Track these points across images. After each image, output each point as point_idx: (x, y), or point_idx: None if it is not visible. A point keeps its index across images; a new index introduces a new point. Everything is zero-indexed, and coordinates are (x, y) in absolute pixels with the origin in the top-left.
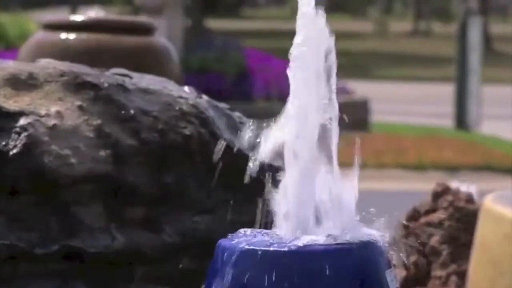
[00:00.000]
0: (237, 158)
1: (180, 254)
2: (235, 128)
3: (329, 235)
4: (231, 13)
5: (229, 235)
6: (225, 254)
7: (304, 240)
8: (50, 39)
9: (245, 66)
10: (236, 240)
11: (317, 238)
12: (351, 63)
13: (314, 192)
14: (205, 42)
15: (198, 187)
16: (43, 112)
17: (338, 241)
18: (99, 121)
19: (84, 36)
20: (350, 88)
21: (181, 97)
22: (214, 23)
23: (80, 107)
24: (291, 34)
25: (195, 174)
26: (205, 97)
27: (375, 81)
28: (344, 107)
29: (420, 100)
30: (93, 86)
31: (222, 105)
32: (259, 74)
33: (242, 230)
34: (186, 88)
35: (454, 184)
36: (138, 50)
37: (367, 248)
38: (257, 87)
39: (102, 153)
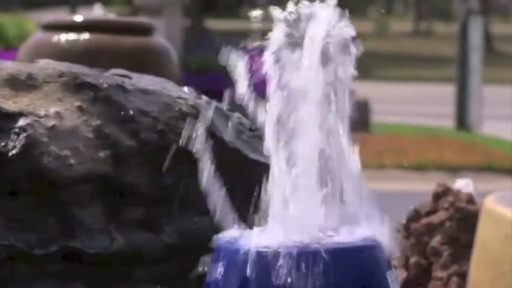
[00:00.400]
0: (236, 159)
1: (180, 255)
2: (235, 129)
3: (329, 236)
4: (230, 13)
5: (229, 236)
6: (225, 255)
7: (303, 241)
8: (50, 39)
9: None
10: (236, 240)
11: (318, 239)
12: None
13: (313, 193)
14: (204, 42)
15: (198, 187)
16: (42, 112)
17: (339, 242)
18: (98, 122)
19: (84, 36)
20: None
21: (180, 97)
22: (214, 23)
23: (80, 108)
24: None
25: (194, 174)
26: (204, 97)
27: (375, 82)
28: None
29: (421, 101)
30: (93, 87)
31: (222, 105)
32: (257, 73)
33: (241, 231)
34: (185, 89)
35: (459, 182)
36: (137, 50)
37: (367, 249)
38: (258, 87)
39: (102, 153)
